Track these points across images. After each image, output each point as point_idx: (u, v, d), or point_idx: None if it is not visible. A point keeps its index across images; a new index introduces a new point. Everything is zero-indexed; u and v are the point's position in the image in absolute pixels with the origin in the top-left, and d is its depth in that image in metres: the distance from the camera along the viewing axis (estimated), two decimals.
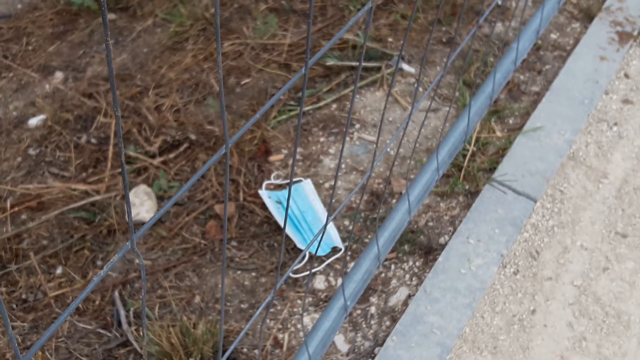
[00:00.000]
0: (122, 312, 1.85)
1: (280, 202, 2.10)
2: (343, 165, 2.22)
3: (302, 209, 2.09)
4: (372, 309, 1.86)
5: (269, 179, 2.19)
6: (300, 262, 1.97)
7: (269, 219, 2.08)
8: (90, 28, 2.93)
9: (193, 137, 2.29)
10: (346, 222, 2.09)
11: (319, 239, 1.99)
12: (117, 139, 2.31)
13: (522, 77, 2.51)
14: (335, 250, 2.00)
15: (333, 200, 2.14)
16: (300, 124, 1.18)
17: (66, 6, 3.05)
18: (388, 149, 2.17)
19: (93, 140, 2.35)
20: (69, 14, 3.04)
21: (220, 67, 0.64)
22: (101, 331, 1.84)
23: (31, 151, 2.41)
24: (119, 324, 1.84)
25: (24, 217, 2.22)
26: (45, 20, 3.04)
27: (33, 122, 2.53)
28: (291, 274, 1.94)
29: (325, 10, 2.70)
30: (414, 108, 1.35)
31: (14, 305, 1.96)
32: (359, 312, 1.86)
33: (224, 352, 1.76)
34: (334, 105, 2.38)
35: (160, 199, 2.15)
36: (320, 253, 1.98)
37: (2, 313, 0.60)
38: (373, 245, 1.69)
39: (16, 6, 3.17)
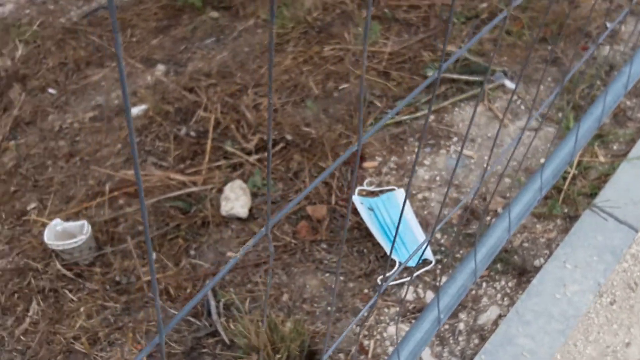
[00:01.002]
0: (213, 303, 1.92)
1: (372, 209, 2.14)
2: (437, 178, 2.24)
3: (394, 217, 2.12)
4: (461, 325, 1.86)
5: (361, 184, 2.23)
6: (391, 272, 2.00)
7: (360, 225, 2.12)
8: (193, 24, 3.05)
9: (289, 137, 2.35)
10: (437, 235, 2.11)
11: (412, 250, 2.01)
12: (215, 134, 2.40)
13: (628, 102, 2.47)
14: (425, 262, 2.02)
15: (426, 212, 2.16)
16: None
17: (170, 1, 3.18)
18: (486, 165, 2.18)
19: (192, 133, 2.44)
20: (173, 9, 3.17)
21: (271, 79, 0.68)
22: (191, 319, 1.91)
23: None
24: (209, 313, 1.90)
25: (121, 202, 2.33)
26: (150, 14, 3.18)
27: (134, 111, 2.65)
28: (379, 282, 1.97)
29: (427, 21, 2.73)
30: (523, 130, 1.36)
31: (107, 286, 2.06)
32: (447, 327, 1.87)
33: (309, 352, 1.80)
34: (432, 117, 2.40)
35: (254, 195, 2.21)
36: (411, 264, 2.00)
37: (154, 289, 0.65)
38: (469, 260, 1.70)
39: None
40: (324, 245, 2.09)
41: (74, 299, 2.05)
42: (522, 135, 1.39)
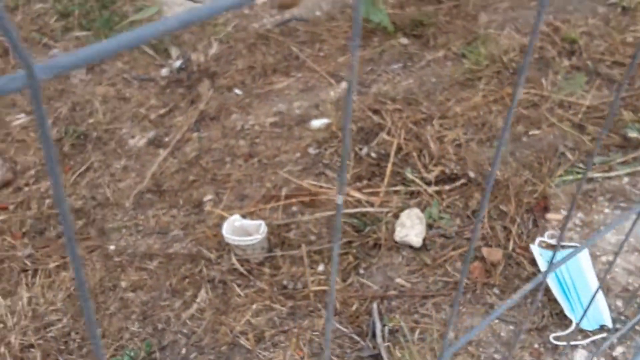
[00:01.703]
0: (379, 325, 1.94)
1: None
2: (625, 243, 2.16)
3: (574, 276, 2.06)
4: None
5: (542, 235, 2.19)
6: (566, 332, 1.94)
7: (536, 276, 2.08)
8: (382, 48, 3.12)
9: (472, 174, 2.35)
10: (618, 303, 2.03)
11: (591, 313, 1.95)
12: (396, 159, 2.44)
13: None
14: (603, 328, 1.95)
15: (608, 277, 2.09)
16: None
17: (362, 22, 3.28)
18: None
19: (373, 154, 2.49)
20: (364, 30, 3.26)
21: None
22: (355, 337, 1.94)
23: (311, 150, 2.61)
24: (374, 335, 1.93)
25: (294, 208, 2.41)
26: (340, 32, 3.29)
27: (316, 123, 2.74)
28: (552, 340, 1.92)
29: (632, 80, 2.65)
30: None
31: (275, 288, 2.13)
32: None
33: None
34: (626, 179, 2.32)
35: (429, 226, 2.23)
36: (587, 327, 1.94)
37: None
38: None
39: (315, 13, 3.46)
40: (496, 290, 2.06)
41: (242, 294, 2.14)
42: None
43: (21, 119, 3.02)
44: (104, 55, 0.32)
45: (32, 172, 2.85)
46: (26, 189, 2.80)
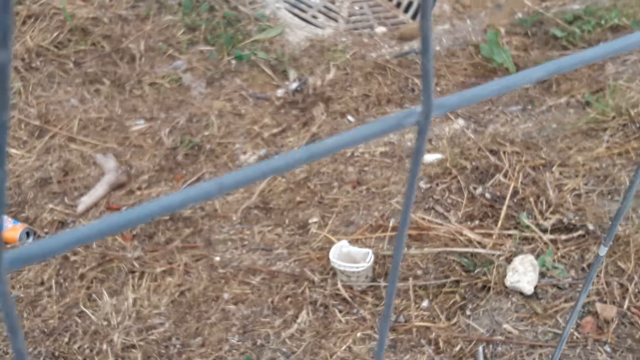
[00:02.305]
0: None
1: None
2: None
3: None
4: None
5: None
6: None
7: None
8: None
9: (590, 226, 2.30)
10: None
11: None
12: (511, 202, 2.41)
13: None
14: None
15: None
16: None
17: (483, 61, 3.27)
18: None
19: (487, 195, 2.47)
20: (484, 69, 3.25)
21: None
22: None
23: (422, 184, 2.62)
24: None
25: None
26: (460, 69, 3.29)
27: (428, 158, 2.75)
28: None
29: None
30: None
31: (377, 319, 2.14)
32: None
33: None
34: None
35: (541, 274, 2.18)
36: None
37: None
38: None
39: (435, 47, 3.48)
40: (608, 348, 2.00)
41: (343, 320, 2.15)
42: None
43: (140, 125, 3.16)
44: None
45: (146, 177, 2.97)
46: (138, 192, 2.92)
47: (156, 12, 3.38)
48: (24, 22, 3.23)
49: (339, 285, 2.22)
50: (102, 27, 3.27)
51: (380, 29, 3.57)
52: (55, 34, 3.20)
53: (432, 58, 0.33)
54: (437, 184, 2.60)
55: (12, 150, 2.99)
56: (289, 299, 2.27)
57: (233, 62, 3.38)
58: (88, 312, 2.30)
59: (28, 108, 3.07)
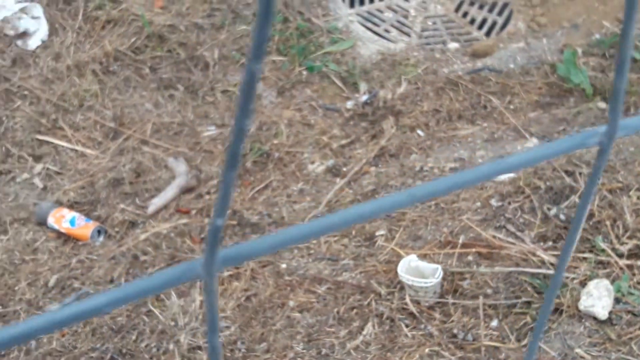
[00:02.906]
0: None
1: None
2: None
3: None
4: None
5: None
6: None
7: None
8: (577, 109, 3.05)
9: None
10: None
11: None
12: (587, 224, 2.36)
13: None
14: None
15: None
16: None
17: (558, 80, 3.23)
18: None
19: (561, 216, 2.43)
20: (560, 89, 3.20)
21: None
22: None
23: (493, 202, 2.59)
24: None
25: (470, 258, 2.39)
26: (534, 87, 3.25)
27: (502, 176, 2.72)
28: None
29: None
30: None
31: (444, 336, 2.11)
32: None
33: None
34: None
35: (616, 300, 2.13)
36: None
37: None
38: None
39: (509, 65, 3.45)
40: None
41: (409, 335, 2.13)
42: None
43: (211, 130, 3.21)
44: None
45: (215, 182, 3.01)
46: (207, 197, 2.97)
47: (231, 22, 3.45)
48: (103, 27, 3.33)
49: (407, 299, 2.20)
50: (179, 34, 3.34)
51: (453, 45, 3.56)
52: (133, 40, 3.29)
53: (626, 79, 0.33)
54: (509, 203, 2.57)
55: (87, 151, 3.08)
56: (355, 310, 2.26)
57: (304, 72, 3.41)
58: (156, 311, 2.34)
59: (104, 110, 3.16)
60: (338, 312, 2.27)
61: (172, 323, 2.32)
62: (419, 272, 2.25)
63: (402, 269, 2.23)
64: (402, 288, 2.28)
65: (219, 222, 0.30)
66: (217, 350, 0.35)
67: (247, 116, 0.28)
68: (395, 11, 3.65)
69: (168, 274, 0.32)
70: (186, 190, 2.97)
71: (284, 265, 2.50)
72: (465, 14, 3.74)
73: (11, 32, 3.17)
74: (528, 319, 2.11)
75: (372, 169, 3.00)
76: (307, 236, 0.33)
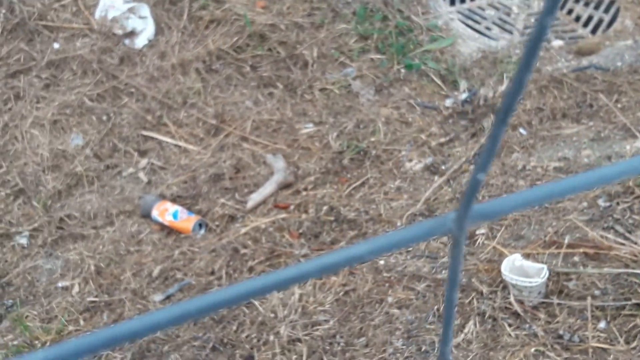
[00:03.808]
0: None
1: None
2: None
3: None
4: None
5: None
6: None
7: None
8: None
9: None
10: None
11: None
12: None
13: None
14: None
15: None
16: None
17: None
18: None
19: None
20: None
21: None
22: None
23: (600, 202, 2.50)
24: None
25: (576, 259, 2.32)
26: None
27: None
28: None
29: None
30: None
31: (550, 337, 2.06)
32: None
33: None
34: None
35: None
36: None
37: None
38: None
39: (616, 63, 3.34)
40: None
41: (512, 334, 2.09)
42: None
43: (309, 128, 3.25)
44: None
45: (312, 178, 3.05)
46: (304, 193, 3.00)
47: (330, 21, 3.48)
48: (206, 27, 3.43)
49: (511, 298, 2.16)
50: (279, 33, 3.40)
51: (557, 42, 3.47)
52: (235, 39, 3.37)
53: None
54: (618, 203, 2.48)
55: (190, 147, 3.17)
56: (456, 308, 2.24)
57: (402, 70, 3.40)
58: (256, 303, 2.38)
59: (206, 107, 3.25)
60: (438, 310, 2.25)
61: (272, 315, 2.36)
62: (523, 271, 2.20)
63: (505, 268, 2.19)
64: (504, 287, 2.23)
65: (481, 177, 0.30)
66: (452, 304, 0.36)
67: (529, 71, 0.29)
68: (497, 8, 3.59)
69: (419, 228, 0.33)
70: (284, 186, 3.02)
71: (382, 262, 2.50)
72: (570, 11, 3.64)
73: (119, 32, 3.31)
74: (638, 321, 2.03)
75: (472, 167, 2.96)
76: (560, 193, 0.34)
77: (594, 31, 3.54)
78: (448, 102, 3.29)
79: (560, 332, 2.07)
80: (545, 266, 2.17)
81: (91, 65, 3.27)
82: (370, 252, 0.36)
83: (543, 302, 2.18)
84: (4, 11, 3.43)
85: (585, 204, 2.54)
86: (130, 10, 3.31)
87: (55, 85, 3.26)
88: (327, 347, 2.20)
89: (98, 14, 3.39)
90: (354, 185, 3.00)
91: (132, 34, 3.33)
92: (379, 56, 3.42)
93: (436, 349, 2.12)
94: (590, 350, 1.98)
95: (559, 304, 2.16)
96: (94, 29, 3.38)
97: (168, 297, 2.52)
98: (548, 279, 2.22)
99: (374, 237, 0.39)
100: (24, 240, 2.76)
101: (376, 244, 0.37)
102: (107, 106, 3.21)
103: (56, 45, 3.36)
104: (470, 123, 3.18)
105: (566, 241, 2.38)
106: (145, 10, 3.35)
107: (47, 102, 3.19)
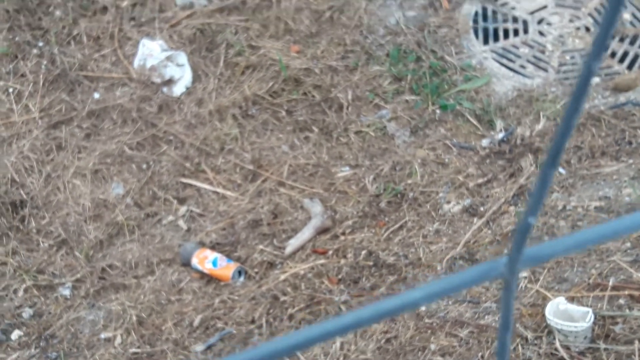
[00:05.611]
0: None
1: None
2: None
3: None
4: None
5: None
6: None
7: None
8: None
9: None
10: None
11: None
12: None
13: None
14: None
15: None
16: None
17: None
18: None
19: None
20: None
21: None
22: None
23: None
24: None
25: (621, 301, 2.29)
26: None
27: None
28: None
29: None
30: None
31: None
32: None
33: None
34: None
35: None
36: None
37: None
38: None
39: None
40: None
41: None
42: None
43: (345, 171, 3.27)
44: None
45: (350, 222, 3.06)
46: (342, 237, 3.02)
47: (364, 63, 3.52)
48: (242, 72, 3.50)
49: (557, 344, 2.14)
50: (314, 77, 3.45)
51: (594, 79, 3.46)
52: (270, 84, 3.43)
53: None
54: None
55: (228, 193, 3.21)
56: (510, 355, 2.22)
57: (437, 111, 3.42)
58: (298, 353, 2.39)
59: (243, 153, 3.30)
60: (482, 357, 2.24)
61: None
62: (568, 315, 2.18)
63: (550, 312, 2.18)
64: (549, 332, 2.22)
65: (532, 220, 0.32)
66: (506, 349, 0.37)
67: (577, 114, 0.31)
68: (531, 46, 3.60)
69: (472, 273, 0.35)
70: (322, 231, 3.04)
71: (423, 308, 2.50)
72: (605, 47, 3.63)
73: (158, 80, 3.39)
74: None
75: (512, 208, 2.95)
76: (613, 234, 0.35)
77: (630, 67, 3.53)
78: (485, 142, 3.29)
79: None
80: (590, 309, 2.15)
81: (130, 114, 3.35)
82: (425, 297, 0.38)
83: (589, 347, 2.16)
84: (45, 62, 3.54)
85: (628, 244, 2.52)
86: (168, 58, 3.40)
87: (96, 134, 3.34)
88: None
89: (137, 63, 3.48)
90: (392, 229, 3.01)
91: (170, 82, 3.41)
92: (413, 97, 3.44)
93: None
94: None
95: (605, 349, 2.13)
96: (133, 78, 3.47)
97: (209, 347, 2.54)
98: (593, 322, 2.20)
99: (427, 283, 0.41)
100: (67, 292, 2.82)
101: (430, 290, 0.39)
102: (147, 154, 3.28)
103: (96, 95, 3.45)
104: (508, 163, 3.17)
105: (611, 283, 2.36)
106: (182, 58, 3.44)
107: (88, 152, 3.27)
